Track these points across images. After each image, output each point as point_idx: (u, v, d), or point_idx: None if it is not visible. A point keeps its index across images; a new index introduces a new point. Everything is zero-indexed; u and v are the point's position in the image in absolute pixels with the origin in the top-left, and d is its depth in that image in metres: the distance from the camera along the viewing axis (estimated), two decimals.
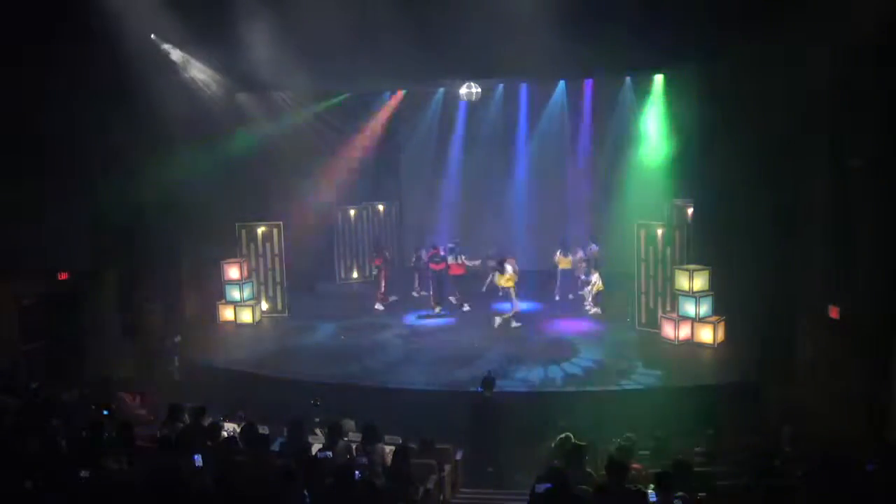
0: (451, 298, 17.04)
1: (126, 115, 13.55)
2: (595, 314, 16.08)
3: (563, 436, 9.12)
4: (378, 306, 17.31)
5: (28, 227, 12.77)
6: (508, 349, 14.13)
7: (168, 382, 13.61)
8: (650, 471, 7.77)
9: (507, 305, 15.80)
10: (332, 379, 12.90)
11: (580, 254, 16.97)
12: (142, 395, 12.42)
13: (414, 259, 18.45)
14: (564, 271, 17.14)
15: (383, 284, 17.48)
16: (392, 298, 17.61)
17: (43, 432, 8.71)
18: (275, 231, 16.89)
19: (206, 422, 9.40)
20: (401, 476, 8.18)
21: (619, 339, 14.70)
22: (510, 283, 15.56)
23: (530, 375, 12.81)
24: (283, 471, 7.30)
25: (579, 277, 16.88)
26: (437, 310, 16.63)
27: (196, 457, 7.69)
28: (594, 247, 16.85)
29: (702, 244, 14.50)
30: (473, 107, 18.47)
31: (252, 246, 16.91)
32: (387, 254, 18.12)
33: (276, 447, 9.02)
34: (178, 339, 14.25)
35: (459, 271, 16.98)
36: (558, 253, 17.12)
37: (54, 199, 13.11)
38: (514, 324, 15.45)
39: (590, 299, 16.26)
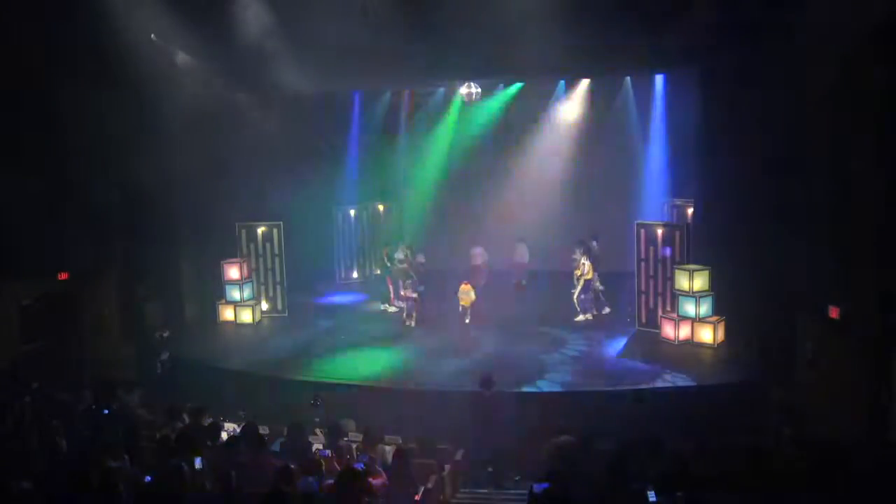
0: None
1: (127, 115, 13.54)
2: (592, 317, 15.85)
3: (562, 436, 9.13)
4: (391, 307, 17.06)
5: (28, 226, 12.77)
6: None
7: (152, 377, 13.63)
8: None
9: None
10: (332, 379, 12.90)
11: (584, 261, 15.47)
12: (142, 394, 12.42)
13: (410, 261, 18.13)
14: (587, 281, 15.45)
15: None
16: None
17: (43, 432, 8.72)
18: (275, 231, 16.87)
19: (206, 422, 9.42)
20: (401, 476, 8.18)
21: (617, 339, 14.68)
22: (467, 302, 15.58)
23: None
24: (285, 470, 7.32)
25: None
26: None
27: (196, 459, 7.69)
28: (595, 244, 16.69)
29: (702, 244, 14.49)
30: (472, 106, 18.46)
31: (252, 246, 16.92)
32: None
33: (276, 447, 9.04)
34: (166, 334, 14.24)
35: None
36: (583, 261, 15.26)
37: (54, 198, 13.11)
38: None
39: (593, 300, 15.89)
